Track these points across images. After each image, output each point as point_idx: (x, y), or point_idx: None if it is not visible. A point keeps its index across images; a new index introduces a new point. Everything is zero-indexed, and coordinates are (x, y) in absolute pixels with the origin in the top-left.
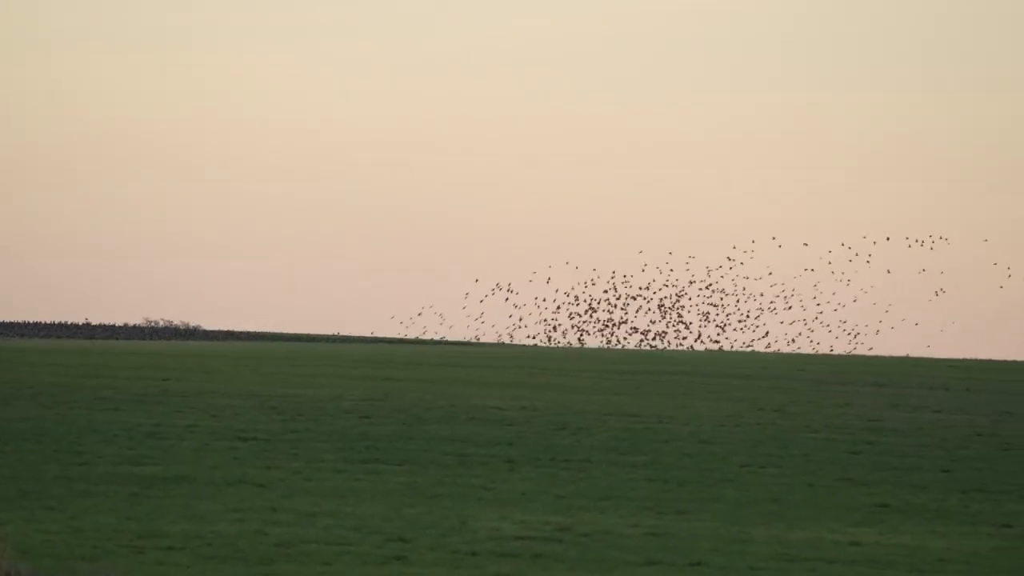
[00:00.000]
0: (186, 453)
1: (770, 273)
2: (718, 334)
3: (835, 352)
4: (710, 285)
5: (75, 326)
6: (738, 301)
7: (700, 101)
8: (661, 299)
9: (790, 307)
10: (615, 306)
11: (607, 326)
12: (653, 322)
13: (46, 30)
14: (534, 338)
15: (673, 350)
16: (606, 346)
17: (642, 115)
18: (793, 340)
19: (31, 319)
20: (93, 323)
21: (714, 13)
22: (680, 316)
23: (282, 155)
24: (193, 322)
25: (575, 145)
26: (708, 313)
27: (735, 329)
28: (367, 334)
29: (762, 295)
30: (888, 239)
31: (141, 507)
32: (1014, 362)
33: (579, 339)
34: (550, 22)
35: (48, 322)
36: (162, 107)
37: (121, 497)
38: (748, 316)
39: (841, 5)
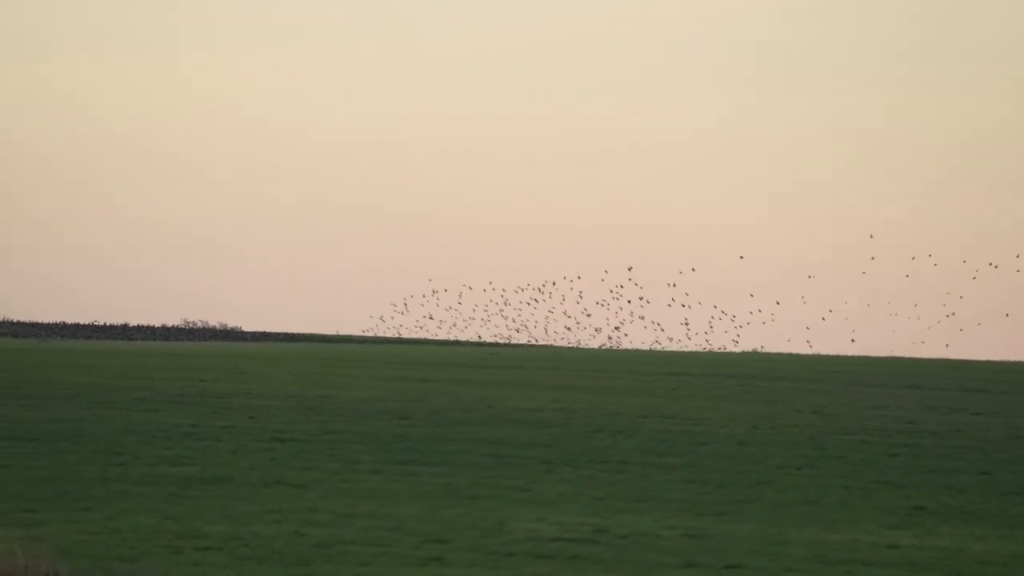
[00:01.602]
0: (224, 454)
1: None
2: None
3: (871, 354)
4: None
5: (114, 327)
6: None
7: (701, 101)
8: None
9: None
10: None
11: (617, 328)
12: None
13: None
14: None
15: (701, 351)
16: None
17: (642, 115)
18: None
19: (70, 320)
20: (132, 324)
21: (714, 15)
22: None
23: (315, 158)
24: (231, 323)
25: (575, 145)
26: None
27: (742, 327)
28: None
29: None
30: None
31: (179, 507)
32: None
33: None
34: (550, 22)
35: (87, 323)
36: (194, 112)
37: (159, 498)
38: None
39: (841, 8)
